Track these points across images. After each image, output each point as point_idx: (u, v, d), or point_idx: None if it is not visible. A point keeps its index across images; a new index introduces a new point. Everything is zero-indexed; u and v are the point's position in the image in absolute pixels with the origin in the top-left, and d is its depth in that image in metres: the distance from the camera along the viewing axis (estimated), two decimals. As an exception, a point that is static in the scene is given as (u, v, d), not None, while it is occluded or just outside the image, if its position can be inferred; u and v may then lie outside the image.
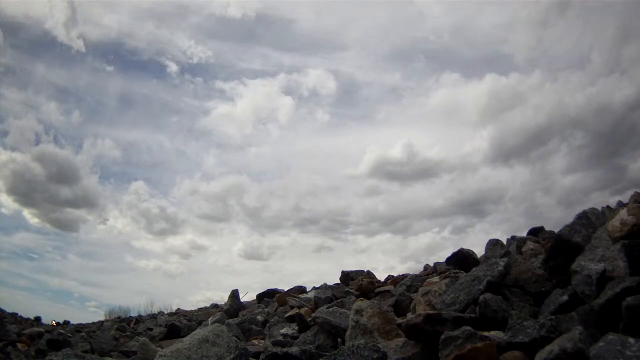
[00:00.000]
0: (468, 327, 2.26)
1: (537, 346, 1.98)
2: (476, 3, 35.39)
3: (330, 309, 4.09)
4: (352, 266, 9.01)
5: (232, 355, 3.23)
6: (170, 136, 39.68)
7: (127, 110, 39.20)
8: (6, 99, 31.57)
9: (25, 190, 31.08)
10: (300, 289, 7.57)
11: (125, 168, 39.11)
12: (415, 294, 4.11)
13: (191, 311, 12.12)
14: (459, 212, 31.43)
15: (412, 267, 19.73)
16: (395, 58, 36.66)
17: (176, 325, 6.46)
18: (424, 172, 31.65)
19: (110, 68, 33.92)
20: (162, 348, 4.30)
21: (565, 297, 2.52)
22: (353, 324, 3.27)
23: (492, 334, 2.29)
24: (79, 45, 30.41)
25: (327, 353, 2.87)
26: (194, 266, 34.37)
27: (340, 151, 38.17)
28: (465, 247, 4.75)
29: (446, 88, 31.18)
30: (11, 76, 31.96)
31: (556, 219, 30.47)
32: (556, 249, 2.92)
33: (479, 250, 4.98)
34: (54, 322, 13.54)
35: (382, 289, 5.35)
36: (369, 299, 4.78)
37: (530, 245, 4.06)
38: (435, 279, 4.47)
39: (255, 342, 4.48)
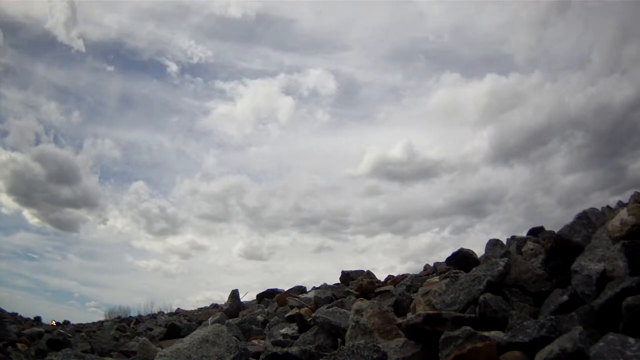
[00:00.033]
0: (468, 327, 2.26)
1: (537, 346, 1.98)
2: (476, 3, 35.50)
3: (330, 309, 4.09)
4: (352, 266, 9.03)
5: (232, 355, 3.23)
6: (170, 136, 39.75)
7: (127, 110, 39.26)
8: (6, 99, 31.60)
9: (25, 190, 31.15)
10: (300, 289, 7.57)
11: (125, 168, 39.19)
12: (415, 294, 4.11)
13: (191, 311, 12.12)
14: (459, 212, 31.48)
15: (412, 267, 19.76)
16: (395, 58, 36.74)
17: (176, 325, 6.46)
18: (424, 172, 31.70)
19: (110, 68, 34.00)
20: (162, 348, 4.30)
21: (565, 297, 2.52)
22: (353, 324, 3.27)
23: (492, 334, 2.29)
24: (79, 45, 30.47)
25: (327, 353, 2.87)
26: (194, 266, 34.42)
27: (340, 151, 38.23)
28: (465, 247, 4.75)
29: (446, 88, 31.27)
30: (11, 76, 32.03)
31: (556, 219, 30.48)
32: (556, 249, 2.92)
33: (479, 250, 4.99)
34: (54, 322, 13.53)
35: (382, 289, 5.35)
36: (369, 299, 4.78)
37: (530, 245, 4.06)
38: (435, 279, 4.47)
39: (255, 342, 4.48)
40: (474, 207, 29.84)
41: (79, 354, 3.47)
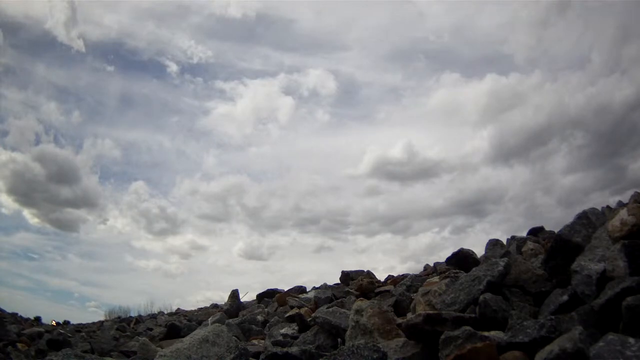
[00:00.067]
0: (468, 327, 2.26)
1: (537, 346, 1.98)
2: (476, 3, 35.49)
3: (330, 309, 4.09)
4: (352, 266, 9.03)
5: (232, 355, 3.23)
6: (170, 136, 39.74)
7: (127, 110, 39.24)
8: (6, 99, 31.58)
9: (25, 190, 31.14)
10: (300, 289, 7.57)
11: (125, 168, 39.18)
12: (415, 294, 4.11)
13: (191, 311, 12.12)
14: (459, 212, 31.47)
15: (412, 267, 19.76)
16: (395, 58, 36.73)
17: (176, 325, 6.46)
18: (424, 172, 31.69)
19: (110, 68, 33.98)
20: (162, 348, 4.30)
21: (565, 297, 2.52)
22: (353, 324, 3.27)
23: (492, 334, 2.29)
24: (79, 45, 30.45)
25: (327, 353, 2.87)
26: (194, 266, 34.41)
27: (340, 151, 38.22)
28: (465, 247, 4.75)
29: (446, 88, 31.26)
30: (11, 76, 32.02)
31: (556, 219, 30.48)
32: (556, 249, 2.92)
33: (479, 250, 4.99)
34: (54, 322, 13.52)
35: (382, 289, 5.35)
36: (369, 299, 4.78)
37: (530, 245, 4.06)
38: (435, 279, 4.47)
39: (255, 342, 4.48)
40: (474, 207, 29.87)
41: (79, 354, 3.47)
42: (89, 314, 34.48)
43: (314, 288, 7.12)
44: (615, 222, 2.71)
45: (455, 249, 4.73)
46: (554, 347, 1.81)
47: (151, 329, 8.59)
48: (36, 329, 9.19)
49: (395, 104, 35.73)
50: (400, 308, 4.17)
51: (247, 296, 8.76)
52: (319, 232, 33.79)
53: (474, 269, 3.26)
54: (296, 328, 4.60)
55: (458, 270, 4.44)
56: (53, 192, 32.19)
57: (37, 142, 30.48)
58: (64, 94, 37.37)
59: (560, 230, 3.53)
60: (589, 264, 2.51)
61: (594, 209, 3.56)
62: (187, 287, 31.13)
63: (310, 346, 3.34)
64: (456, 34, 32.74)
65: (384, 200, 34.11)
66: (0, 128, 30.51)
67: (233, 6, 33.70)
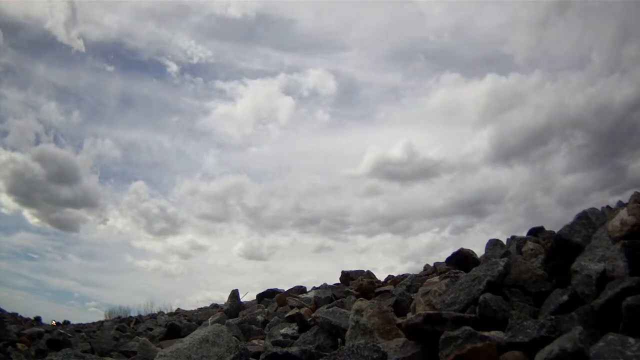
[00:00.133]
0: (468, 327, 2.26)
1: (537, 346, 1.98)
2: (476, 3, 35.51)
3: (330, 309, 4.09)
4: (352, 266, 9.03)
5: (232, 355, 3.23)
6: (170, 136, 39.75)
7: (127, 110, 39.26)
8: (6, 99, 31.60)
9: (25, 190, 31.15)
10: (300, 289, 7.57)
11: (125, 168, 39.19)
12: (415, 294, 4.11)
13: (191, 311, 12.12)
14: (459, 212, 31.48)
15: (412, 267, 19.77)
16: (395, 58, 36.74)
17: (176, 325, 6.46)
18: (424, 172, 31.70)
19: (110, 68, 34.00)
20: (162, 348, 4.30)
21: (565, 297, 2.52)
22: (353, 324, 3.27)
23: (492, 334, 2.29)
24: (79, 45, 30.47)
25: (327, 353, 2.87)
26: (194, 266, 34.41)
27: (340, 151, 38.23)
28: (465, 247, 4.76)
29: (446, 88, 31.27)
30: (11, 76, 32.03)
31: (556, 219, 30.49)
32: (556, 249, 2.92)
33: (479, 250, 4.99)
34: (54, 322, 13.53)
35: (382, 289, 5.35)
36: (369, 299, 4.78)
37: (530, 245, 4.06)
38: (435, 279, 4.47)
39: (255, 342, 4.48)
40: (474, 207, 29.88)
41: (79, 354, 3.47)
42: (89, 314, 34.54)
43: (314, 288, 7.12)
44: (615, 222, 2.71)
45: (455, 249, 4.74)
46: (554, 347, 1.81)
47: (151, 329, 8.59)
48: (36, 329, 9.20)
49: (395, 104, 35.78)
50: (400, 308, 4.17)
51: (247, 296, 8.78)
52: (319, 232, 33.84)
53: (474, 269, 3.26)
54: (296, 328, 4.60)
55: (458, 270, 4.44)
56: (53, 192, 32.24)
57: (37, 142, 30.54)
58: (64, 94, 37.43)
59: (560, 230, 3.53)
60: (589, 264, 2.51)
61: (594, 209, 3.56)
62: (187, 287, 31.18)
63: (310, 346, 3.34)
64: (456, 34, 32.79)
65: (384, 200, 34.16)
66: (0, 128, 30.57)
67: (233, 6, 33.76)
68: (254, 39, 36.59)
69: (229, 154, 39.00)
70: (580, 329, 1.85)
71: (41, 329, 9.13)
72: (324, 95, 36.03)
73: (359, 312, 3.26)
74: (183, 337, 4.36)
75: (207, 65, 36.73)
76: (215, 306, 11.32)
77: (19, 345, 6.41)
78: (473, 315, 2.70)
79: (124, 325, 9.96)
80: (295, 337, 4.22)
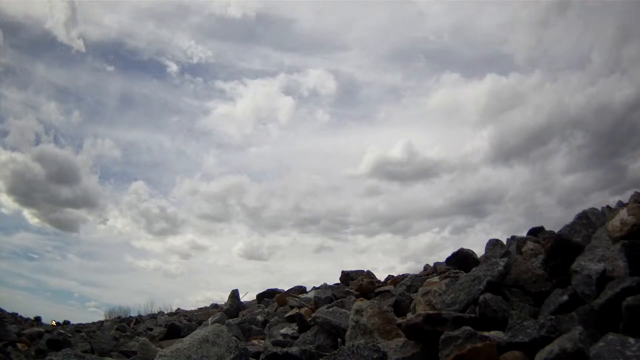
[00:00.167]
0: (468, 327, 2.26)
1: (537, 346, 1.98)
2: (476, 3, 35.50)
3: (330, 309, 4.09)
4: (352, 266, 9.03)
5: (232, 355, 3.23)
6: (170, 136, 39.75)
7: (127, 110, 39.25)
8: (6, 99, 31.59)
9: (25, 190, 31.14)
10: (300, 289, 7.57)
11: (125, 168, 39.19)
12: (415, 294, 4.11)
13: (191, 311, 12.12)
14: (459, 212, 31.48)
15: (412, 267, 19.77)
16: (395, 58, 36.74)
17: (176, 325, 6.46)
18: (424, 172, 31.70)
19: (110, 68, 33.99)
20: (162, 348, 4.30)
21: (565, 297, 2.52)
22: (353, 324, 3.27)
23: (492, 334, 2.29)
24: (79, 45, 30.47)
25: (327, 353, 2.87)
26: (194, 266, 34.41)
27: (340, 151, 38.23)
28: (465, 247, 4.76)
29: (446, 88, 31.28)
30: (11, 76, 32.02)
31: (556, 219, 30.48)
32: (556, 249, 2.92)
33: (479, 250, 4.99)
34: (54, 322, 13.52)
35: (382, 289, 5.35)
36: (369, 299, 4.78)
37: (530, 245, 4.06)
38: (435, 279, 4.47)
39: (255, 342, 4.48)
40: (474, 207, 29.88)
41: (79, 354, 3.47)
42: (89, 314, 34.52)
43: (314, 288, 7.12)
44: (615, 222, 2.71)
45: (455, 249, 4.74)
46: (554, 347, 1.81)
47: (151, 329, 8.59)
48: (36, 329, 9.19)
49: (395, 104, 35.78)
50: (400, 308, 4.17)
51: (247, 296, 8.78)
52: (319, 232, 33.84)
53: (474, 269, 3.26)
54: (296, 328, 4.60)
55: (458, 270, 4.44)
56: (53, 192, 32.24)
57: (37, 142, 30.54)
58: (64, 94, 37.41)
59: (560, 230, 3.53)
60: (589, 264, 2.51)
61: (594, 209, 3.56)
62: (187, 287, 31.17)
63: (310, 346, 3.34)
64: (456, 34, 32.79)
65: (384, 200, 34.17)
66: (0, 128, 30.57)
67: (233, 6, 33.75)
68: (254, 39, 36.63)
69: (229, 154, 39.04)
70: (580, 329, 1.85)
71: (41, 329, 9.13)
72: (324, 95, 36.06)
73: (359, 312, 3.26)
74: (183, 337, 4.36)
75: (207, 65, 36.77)
76: (215, 306, 11.32)
77: (19, 345, 6.42)
78: (473, 315, 2.70)
79: (124, 325, 9.96)
80: (295, 337, 4.22)
